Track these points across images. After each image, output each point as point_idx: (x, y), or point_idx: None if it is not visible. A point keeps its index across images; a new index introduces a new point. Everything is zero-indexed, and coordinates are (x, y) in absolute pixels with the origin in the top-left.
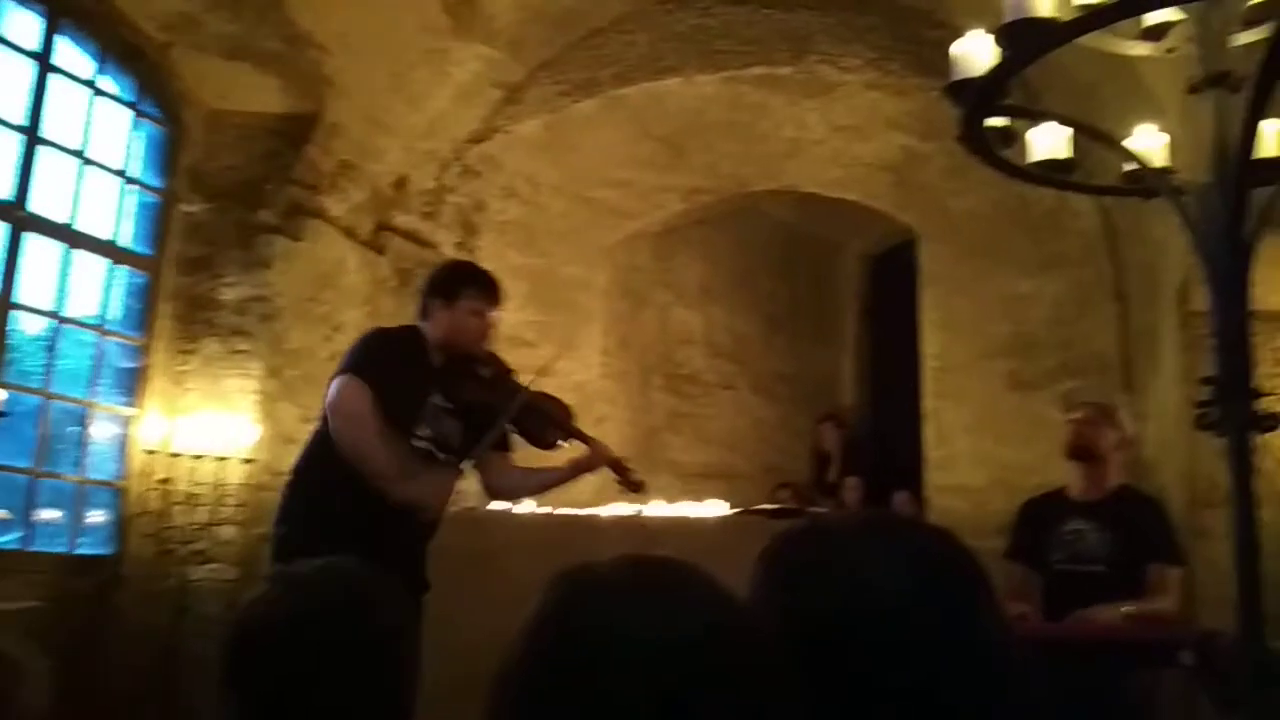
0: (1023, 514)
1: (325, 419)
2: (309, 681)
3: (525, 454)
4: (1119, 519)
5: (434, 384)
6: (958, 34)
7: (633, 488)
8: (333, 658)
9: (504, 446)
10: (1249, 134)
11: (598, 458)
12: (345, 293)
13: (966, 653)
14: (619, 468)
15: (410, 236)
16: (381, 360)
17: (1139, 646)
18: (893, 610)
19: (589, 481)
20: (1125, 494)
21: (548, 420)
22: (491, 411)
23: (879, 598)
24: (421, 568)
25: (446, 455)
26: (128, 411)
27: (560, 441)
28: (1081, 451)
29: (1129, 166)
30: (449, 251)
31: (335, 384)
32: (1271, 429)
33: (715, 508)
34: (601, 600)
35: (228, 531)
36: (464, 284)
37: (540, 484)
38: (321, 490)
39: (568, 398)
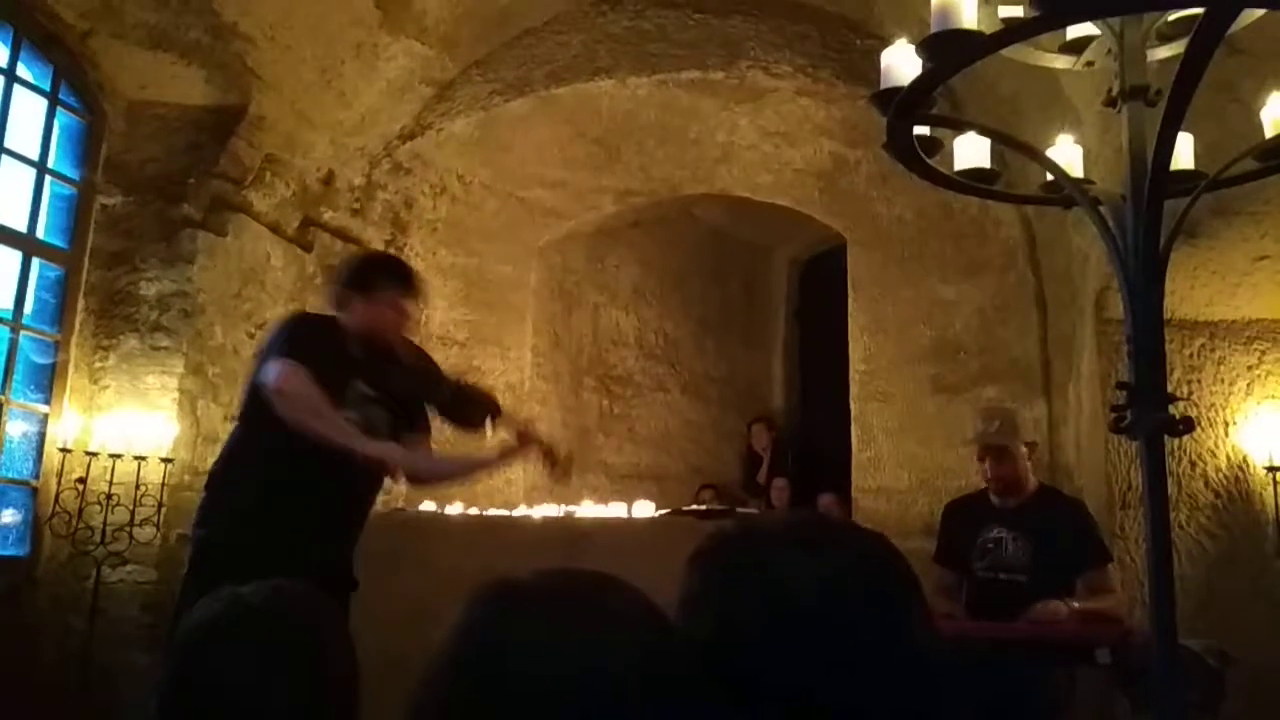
0: (945, 517)
1: (245, 419)
2: (245, 694)
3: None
4: (1039, 526)
5: (356, 373)
6: (886, 43)
7: (559, 476)
8: (270, 679)
9: (424, 428)
10: (1165, 147)
11: (528, 443)
12: (270, 289)
13: (896, 658)
14: (549, 455)
15: (338, 233)
16: (307, 343)
17: (1057, 645)
18: (821, 615)
19: (521, 479)
20: (1045, 497)
21: (475, 403)
22: (419, 389)
23: (807, 602)
24: (348, 567)
25: None
26: (42, 409)
27: (488, 425)
28: (1007, 489)
29: (1049, 176)
30: (378, 248)
31: (271, 369)
32: (1184, 433)
33: (643, 508)
34: (520, 623)
35: (146, 532)
36: (381, 276)
37: (467, 471)
38: (243, 491)
39: (498, 397)
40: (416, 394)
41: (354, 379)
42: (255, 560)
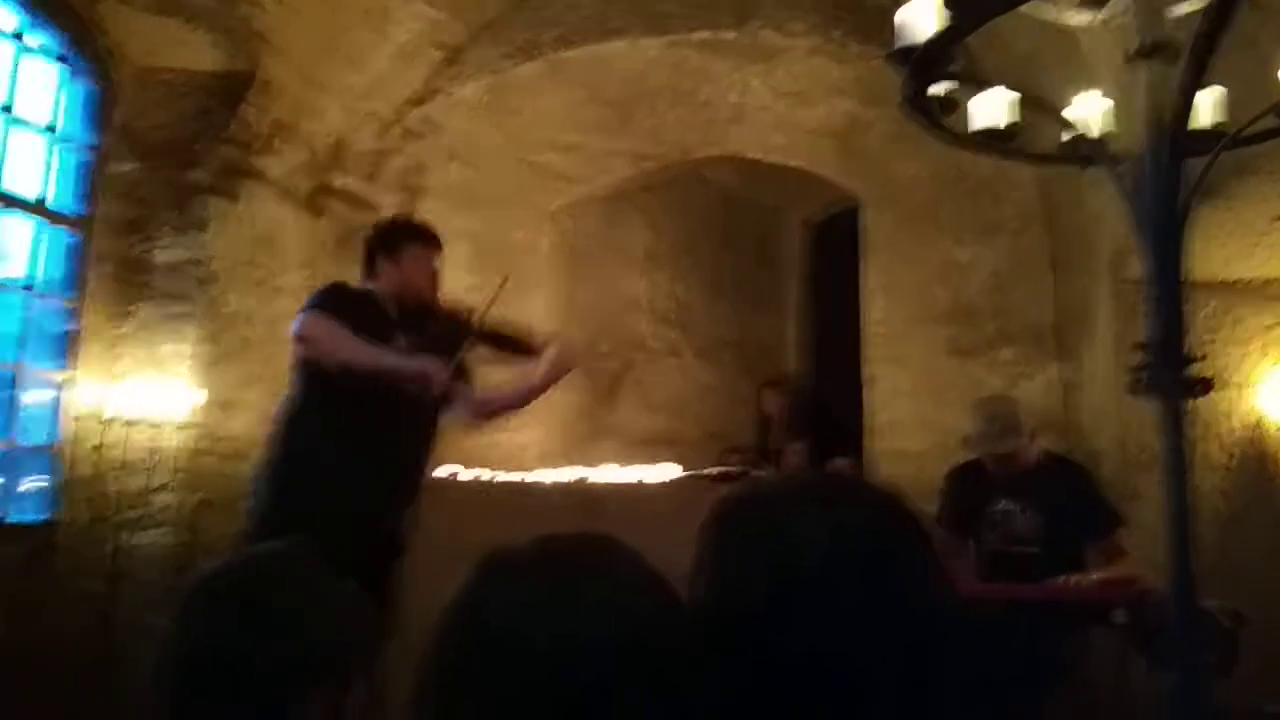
0: (949, 484)
1: (294, 392)
2: (223, 651)
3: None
4: (1045, 496)
5: (397, 330)
6: (901, 1)
7: (609, 386)
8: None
9: (470, 375)
10: (1185, 104)
11: (566, 362)
12: (283, 256)
13: (908, 615)
14: (589, 370)
15: (351, 199)
16: (337, 303)
17: (1073, 606)
18: (832, 572)
19: (536, 444)
20: (1049, 465)
21: (516, 330)
22: (458, 335)
23: (818, 560)
24: (395, 529)
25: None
26: (60, 376)
27: (538, 346)
28: (1015, 465)
29: (1066, 136)
30: (389, 214)
31: (294, 324)
32: (1202, 394)
33: (668, 471)
34: (513, 595)
35: (165, 498)
36: (406, 237)
37: (520, 398)
38: (296, 460)
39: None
40: (457, 338)
41: (395, 335)
42: (299, 520)
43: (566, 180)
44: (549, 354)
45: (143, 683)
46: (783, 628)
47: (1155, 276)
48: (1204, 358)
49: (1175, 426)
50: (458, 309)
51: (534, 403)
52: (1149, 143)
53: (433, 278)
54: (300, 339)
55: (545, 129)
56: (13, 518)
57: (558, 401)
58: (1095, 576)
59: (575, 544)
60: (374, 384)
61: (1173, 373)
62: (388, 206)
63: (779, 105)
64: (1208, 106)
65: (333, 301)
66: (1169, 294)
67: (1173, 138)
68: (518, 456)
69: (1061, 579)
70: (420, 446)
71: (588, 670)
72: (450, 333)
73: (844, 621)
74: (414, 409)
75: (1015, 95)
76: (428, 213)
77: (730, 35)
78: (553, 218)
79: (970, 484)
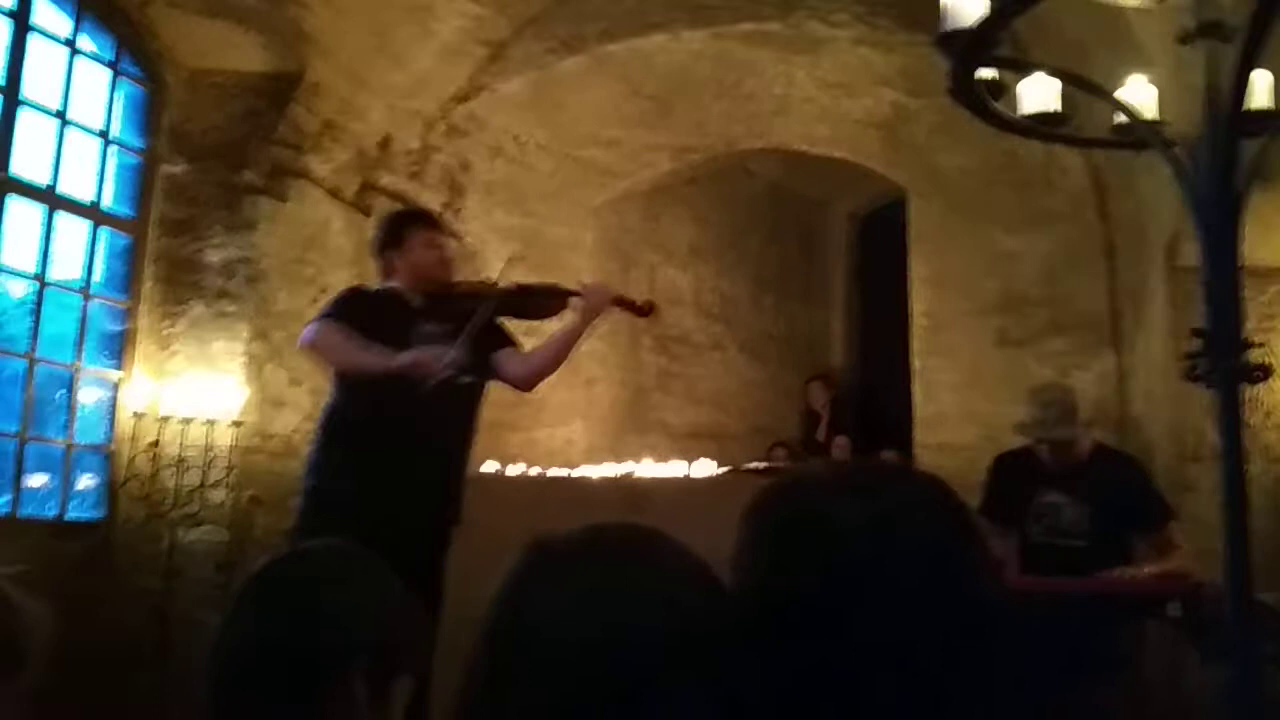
0: (995, 473)
1: (332, 393)
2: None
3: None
4: (1095, 489)
5: (421, 318)
6: None
7: (643, 312)
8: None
9: (508, 343)
10: (1240, 85)
11: (597, 299)
12: (331, 254)
13: (953, 605)
14: (620, 302)
15: (396, 197)
16: (348, 306)
17: (1126, 599)
18: (874, 561)
19: (580, 439)
20: (1101, 457)
21: (536, 292)
22: (484, 312)
23: (860, 548)
24: (442, 516)
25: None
26: (114, 375)
27: (560, 306)
28: (1068, 455)
29: (1119, 120)
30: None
31: (304, 333)
32: (1260, 381)
33: (703, 467)
34: (560, 584)
35: (218, 495)
36: (406, 225)
37: (557, 349)
38: (335, 443)
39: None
40: (478, 306)
41: (418, 323)
42: (349, 509)
43: (610, 175)
44: (581, 291)
45: (196, 679)
46: (825, 616)
47: (1210, 260)
48: (1261, 344)
49: (1231, 414)
50: (474, 282)
51: (573, 353)
52: (1204, 125)
53: (441, 257)
54: (308, 349)
55: (589, 124)
56: (71, 515)
57: (601, 397)
58: (1147, 570)
59: (621, 534)
60: (396, 381)
61: (1228, 359)
62: (432, 204)
63: (824, 96)
64: (1264, 88)
65: (344, 308)
66: (1224, 277)
67: (1228, 119)
68: (560, 452)
69: (1116, 572)
70: (456, 439)
71: (634, 659)
72: (473, 308)
73: (888, 610)
74: (445, 402)
75: (1059, 82)
76: (471, 210)
77: (774, 26)
78: (596, 213)
79: (1018, 473)
